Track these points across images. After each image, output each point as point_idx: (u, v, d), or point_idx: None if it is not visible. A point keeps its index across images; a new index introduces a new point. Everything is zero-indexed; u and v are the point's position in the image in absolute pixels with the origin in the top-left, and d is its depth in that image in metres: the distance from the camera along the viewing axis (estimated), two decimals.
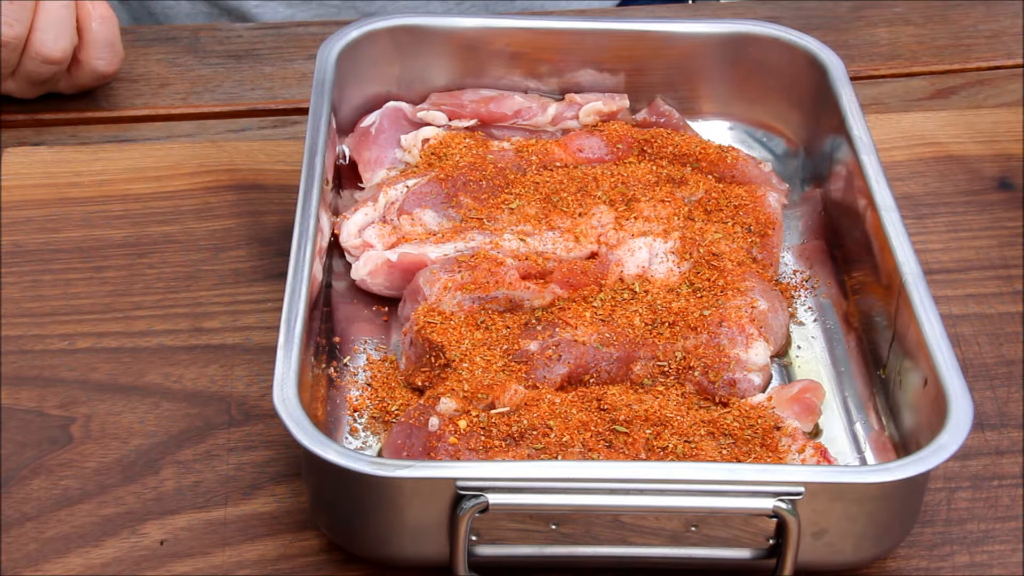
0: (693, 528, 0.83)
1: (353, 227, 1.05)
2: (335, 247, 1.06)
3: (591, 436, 0.89)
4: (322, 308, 0.99)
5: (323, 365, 0.96)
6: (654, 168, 1.10)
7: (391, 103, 1.14)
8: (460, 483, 0.81)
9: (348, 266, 1.05)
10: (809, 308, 1.04)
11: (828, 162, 1.09)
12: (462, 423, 0.89)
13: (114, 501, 0.91)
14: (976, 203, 1.16)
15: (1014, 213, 1.15)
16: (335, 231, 1.05)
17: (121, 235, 1.10)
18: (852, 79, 1.11)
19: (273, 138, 1.21)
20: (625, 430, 0.89)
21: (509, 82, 1.17)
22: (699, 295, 1.00)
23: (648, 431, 0.90)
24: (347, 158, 1.13)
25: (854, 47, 1.35)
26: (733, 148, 1.12)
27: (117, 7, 1.48)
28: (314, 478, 0.86)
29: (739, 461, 0.88)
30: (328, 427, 0.94)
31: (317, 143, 1.01)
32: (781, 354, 1.01)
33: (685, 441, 0.89)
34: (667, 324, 0.98)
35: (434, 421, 0.89)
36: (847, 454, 0.94)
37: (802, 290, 1.06)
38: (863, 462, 0.93)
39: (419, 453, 0.88)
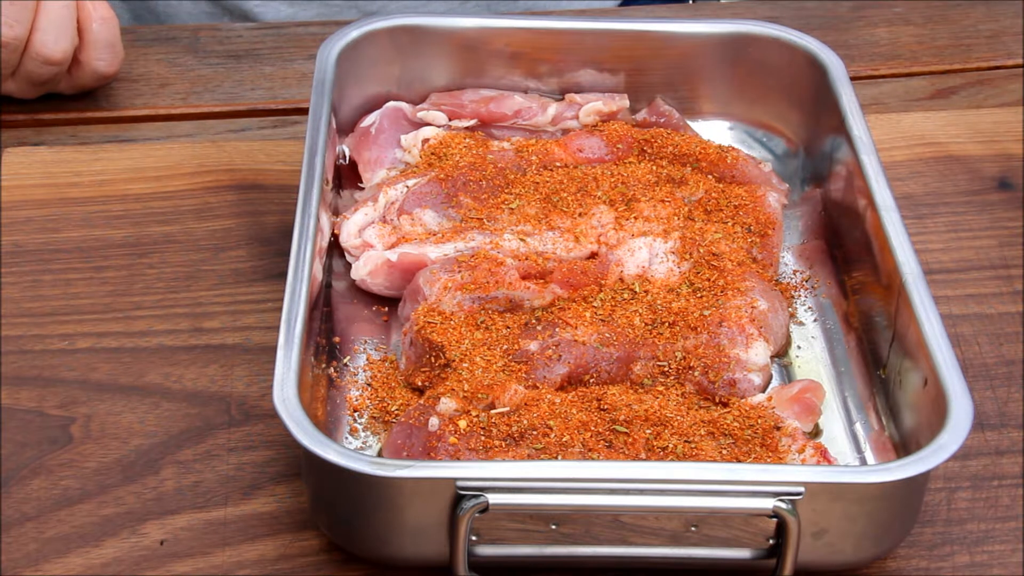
0: (693, 528, 0.83)
1: (353, 227, 1.05)
2: (335, 247, 1.06)
3: (591, 436, 0.89)
4: (322, 308, 0.99)
5: (323, 365, 0.96)
6: (654, 168, 1.10)
7: (391, 103, 1.15)
8: (460, 483, 0.81)
9: (348, 266, 1.05)
10: (809, 308, 1.04)
11: (828, 162, 1.09)
12: (462, 423, 0.89)
13: (114, 501, 0.91)
14: (976, 203, 1.16)
15: (1014, 213, 1.15)
16: (335, 231, 1.05)
17: (121, 235, 1.10)
18: (852, 79, 1.11)
19: (273, 138, 1.21)
20: (625, 430, 0.89)
21: (509, 82, 1.17)
22: (699, 295, 1.00)
23: (648, 431, 0.90)
24: (347, 158, 1.13)
25: (854, 47, 1.35)
26: (733, 148, 1.12)
27: (118, 6, 1.47)
28: (314, 478, 0.86)
29: (739, 461, 0.88)
30: (328, 427, 0.94)
31: (317, 143, 1.01)
32: (781, 354, 1.01)
33: (685, 441, 0.89)
34: (667, 324, 0.98)
35: (434, 421, 0.89)
36: (847, 454, 0.94)
37: (802, 290, 1.06)
38: (863, 462, 0.93)
39: (419, 453, 0.88)
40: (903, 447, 0.92)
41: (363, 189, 1.11)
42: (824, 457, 0.89)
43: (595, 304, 0.99)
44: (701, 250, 1.02)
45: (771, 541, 0.84)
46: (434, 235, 1.04)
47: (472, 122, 1.14)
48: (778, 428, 0.91)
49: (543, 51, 1.16)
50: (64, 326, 1.02)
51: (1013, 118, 1.24)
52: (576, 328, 0.96)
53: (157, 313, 1.03)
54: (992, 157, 1.20)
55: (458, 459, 0.87)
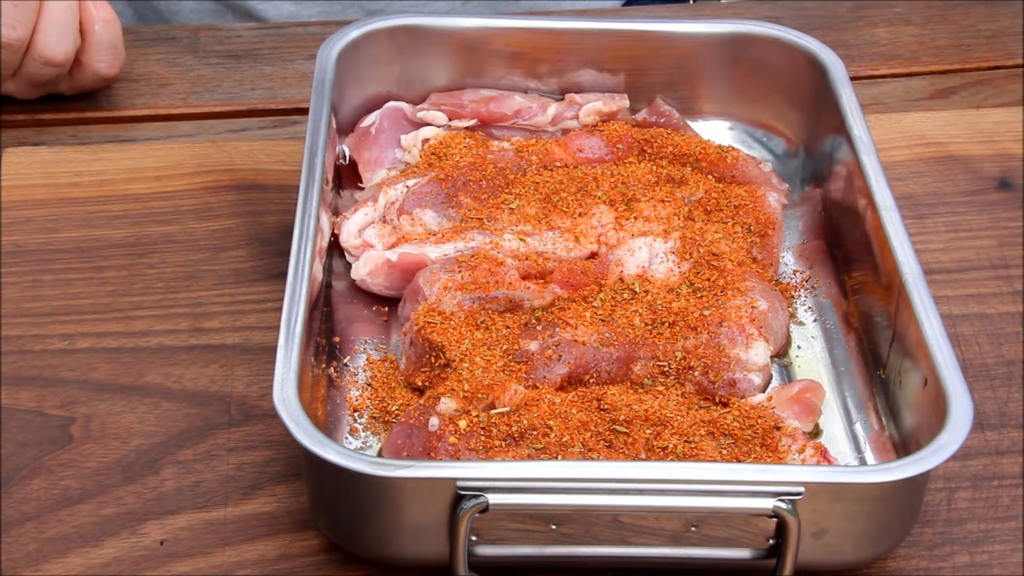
0: (693, 528, 0.83)
1: (353, 227, 1.05)
2: (335, 247, 1.06)
3: (591, 436, 0.89)
4: (322, 308, 0.99)
5: (323, 365, 0.96)
6: (654, 168, 1.10)
7: (391, 103, 1.15)
8: (460, 483, 0.81)
9: (348, 266, 1.05)
10: (809, 308, 1.04)
11: (828, 162, 1.09)
12: (462, 423, 0.89)
13: (114, 501, 0.91)
14: (976, 203, 1.16)
15: (1014, 213, 1.15)
16: (335, 231, 1.05)
17: (121, 235, 1.10)
18: (852, 79, 1.11)
19: (273, 138, 1.21)
20: (625, 430, 0.89)
21: (509, 82, 1.17)
22: (699, 295, 1.00)
23: (648, 431, 0.90)
24: (347, 158, 1.13)
25: (854, 47, 1.35)
26: (733, 148, 1.12)
27: (121, 5, 1.48)
28: (314, 478, 0.86)
29: (739, 461, 0.88)
30: (328, 427, 0.94)
31: (317, 143, 1.01)
32: (781, 354, 1.01)
33: (685, 441, 0.89)
34: (667, 324, 0.98)
35: (434, 421, 0.89)
36: (847, 454, 0.94)
37: (802, 290, 1.06)
38: (863, 462, 0.93)
39: (419, 453, 0.88)
40: (903, 447, 0.92)
41: (363, 189, 1.11)
42: (824, 457, 0.89)
43: (595, 304, 0.99)
44: (701, 250, 1.02)
45: (771, 541, 0.84)
46: (434, 235, 1.04)
47: (472, 122, 1.14)
48: (778, 428, 0.91)
49: (543, 51, 1.16)
50: (64, 326, 1.02)
51: (1013, 118, 1.24)
52: (576, 328, 0.96)
53: (157, 313, 1.03)
54: (992, 157, 1.20)
55: (458, 459, 0.87)
